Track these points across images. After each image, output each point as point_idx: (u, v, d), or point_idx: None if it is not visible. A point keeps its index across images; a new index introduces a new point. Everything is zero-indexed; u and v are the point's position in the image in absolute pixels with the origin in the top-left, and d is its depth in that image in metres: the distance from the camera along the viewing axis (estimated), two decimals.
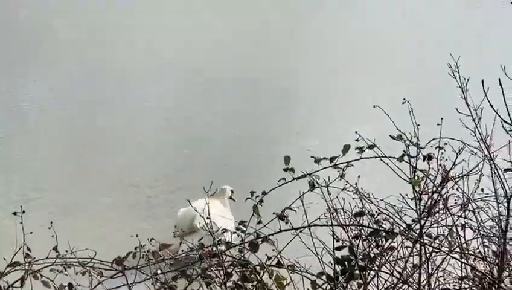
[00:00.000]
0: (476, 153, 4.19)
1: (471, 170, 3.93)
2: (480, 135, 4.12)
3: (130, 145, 9.15)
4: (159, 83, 10.94)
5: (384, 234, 3.83)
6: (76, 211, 7.59)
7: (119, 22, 13.41)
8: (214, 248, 3.80)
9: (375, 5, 14.70)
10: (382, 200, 4.04)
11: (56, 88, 10.75)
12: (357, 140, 3.98)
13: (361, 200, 3.99)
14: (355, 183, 4.01)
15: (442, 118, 3.99)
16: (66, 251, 3.84)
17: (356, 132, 4.02)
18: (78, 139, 9.28)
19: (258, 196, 4.00)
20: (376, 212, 3.95)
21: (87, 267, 3.82)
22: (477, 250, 4.06)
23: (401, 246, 3.89)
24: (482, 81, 4.09)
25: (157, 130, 9.60)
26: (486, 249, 4.04)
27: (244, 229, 3.94)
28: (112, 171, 8.47)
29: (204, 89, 10.85)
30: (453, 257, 3.86)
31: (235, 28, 13.14)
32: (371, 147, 3.99)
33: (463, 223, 4.04)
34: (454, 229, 3.96)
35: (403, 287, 3.90)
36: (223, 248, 3.83)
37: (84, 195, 7.94)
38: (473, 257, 3.98)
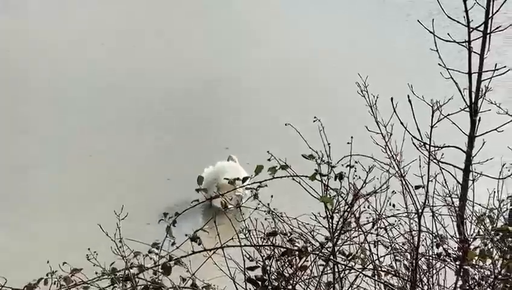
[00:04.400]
0: (388, 171, 4.23)
1: (379, 187, 3.97)
2: (391, 151, 4.17)
3: None
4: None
5: (297, 253, 3.85)
6: None
7: None
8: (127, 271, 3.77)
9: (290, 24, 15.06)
10: (295, 219, 4.05)
11: None
12: (269, 160, 3.99)
13: (273, 219, 3.99)
14: (268, 204, 4.02)
15: (352, 137, 4.02)
16: None
17: (268, 152, 4.03)
18: None
19: (171, 217, 3.98)
20: (289, 231, 3.96)
21: None
22: (390, 265, 4.09)
23: (315, 264, 3.91)
24: (391, 99, 4.15)
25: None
26: (398, 264, 4.07)
27: (157, 251, 3.91)
28: None
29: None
30: (366, 275, 3.89)
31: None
32: (283, 167, 4.00)
33: (375, 240, 4.07)
34: (366, 246, 3.99)
35: None
36: (135, 271, 3.80)
37: None
38: (386, 273, 4.01)
